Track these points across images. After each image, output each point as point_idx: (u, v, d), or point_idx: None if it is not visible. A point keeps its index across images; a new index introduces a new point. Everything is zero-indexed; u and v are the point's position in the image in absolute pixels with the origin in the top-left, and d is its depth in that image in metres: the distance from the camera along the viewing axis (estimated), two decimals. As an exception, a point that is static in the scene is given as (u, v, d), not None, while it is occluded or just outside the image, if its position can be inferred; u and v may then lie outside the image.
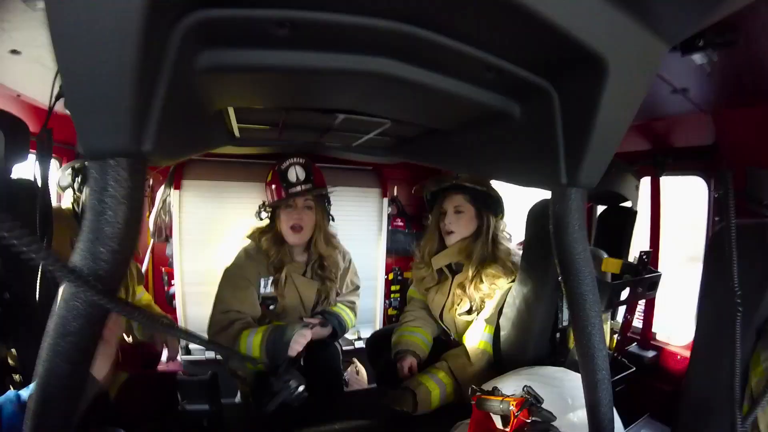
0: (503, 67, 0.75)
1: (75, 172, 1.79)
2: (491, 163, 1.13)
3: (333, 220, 2.17)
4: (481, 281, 1.84)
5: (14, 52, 1.18)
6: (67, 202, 1.85)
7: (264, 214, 2.07)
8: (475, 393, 1.18)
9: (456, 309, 1.92)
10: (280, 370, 1.67)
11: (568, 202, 0.83)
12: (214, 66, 0.70)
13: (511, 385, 1.28)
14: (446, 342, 2.09)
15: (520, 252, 1.86)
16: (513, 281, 1.77)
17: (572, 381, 1.37)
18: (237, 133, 1.65)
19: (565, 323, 1.58)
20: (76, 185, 1.79)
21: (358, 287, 2.35)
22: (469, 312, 1.89)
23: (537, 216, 1.64)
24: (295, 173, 1.93)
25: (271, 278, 1.96)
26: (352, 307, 2.28)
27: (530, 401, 1.01)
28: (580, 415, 1.16)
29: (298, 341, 1.74)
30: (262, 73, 0.79)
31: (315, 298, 2.09)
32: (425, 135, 1.48)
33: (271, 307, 1.98)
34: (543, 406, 1.04)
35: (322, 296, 2.11)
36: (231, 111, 1.30)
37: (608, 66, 0.68)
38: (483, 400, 1.12)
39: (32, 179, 1.22)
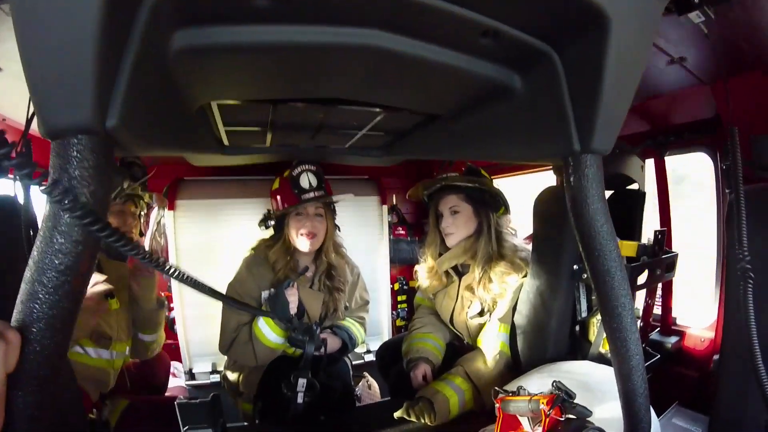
0: (501, 30, 0.69)
1: None
2: (495, 145, 1.07)
3: (339, 229, 2.12)
4: (490, 281, 1.77)
5: None
6: None
7: (270, 223, 2.02)
8: (498, 395, 1.09)
9: (466, 312, 1.85)
10: (296, 330, 1.76)
11: (585, 171, 0.77)
12: (190, 46, 0.64)
13: (536, 383, 1.21)
14: (459, 347, 2.01)
15: (528, 246, 1.81)
16: (525, 277, 1.70)
17: (599, 374, 1.30)
18: (225, 140, 1.57)
19: (584, 315, 1.50)
20: None
21: (367, 302, 2.28)
22: (481, 314, 1.81)
23: (544, 205, 1.58)
24: (308, 179, 1.89)
25: (274, 290, 1.89)
26: (362, 322, 2.22)
27: (562, 397, 0.93)
28: (612, 409, 1.09)
29: (290, 294, 1.80)
30: (244, 56, 0.72)
31: (321, 310, 2.02)
32: (421, 126, 1.41)
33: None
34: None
35: (330, 309, 2.04)
36: (216, 111, 1.21)
37: (611, 21, 0.65)
38: (508, 401, 1.04)
39: (13, 195, 1.16)
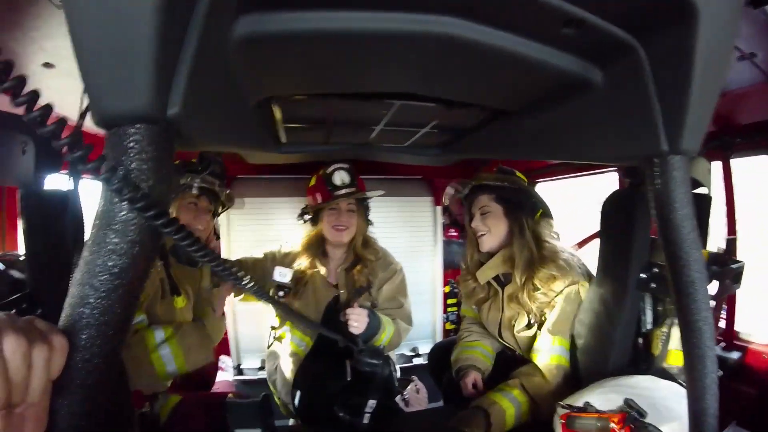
0: (586, 19, 0.65)
1: None
2: (570, 144, 1.01)
3: (372, 224, 2.19)
4: (535, 288, 1.69)
5: (47, 65, 1.11)
6: None
7: (306, 217, 2.12)
8: (562, 410, 1.05)
9: (514, 325, 1.78)
10: (362, 353, 1.75)
11: (673, 173, 0.73)
12: (252, 34, 0.61)
13: (598, 398, 1.16)
14: (512, 357, 1.93)
15: (572, 250, 1.77)
16: (572, 283, 1.64)
17: (663, 390, 1.24)
18: (283, 138, 1.57)
19: (648, 326, 1.42)
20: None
21: (401, 305, 2.17)
22: (529, 326, 1.74)
23: (614, 207, 1.51)
24: (341, 177, 2.00)
25: (292, 271, 1.94)
26: (393, 318, 2.09)
27: (633, 416, 0.88)
28: (677, 428, 1.02)
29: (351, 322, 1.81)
30: (308, 44, 0.69)
31: (330, 302, 2.04)
32: (486, 124, 1.37)
33: (281, 293, 1.93)
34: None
35: (340, 302, 2.03)
36: (275, 107, 1.20)
37: (699, 11, 0.61)
38: (574, 417, 1.00)
39: (65, 190, 1.18)
